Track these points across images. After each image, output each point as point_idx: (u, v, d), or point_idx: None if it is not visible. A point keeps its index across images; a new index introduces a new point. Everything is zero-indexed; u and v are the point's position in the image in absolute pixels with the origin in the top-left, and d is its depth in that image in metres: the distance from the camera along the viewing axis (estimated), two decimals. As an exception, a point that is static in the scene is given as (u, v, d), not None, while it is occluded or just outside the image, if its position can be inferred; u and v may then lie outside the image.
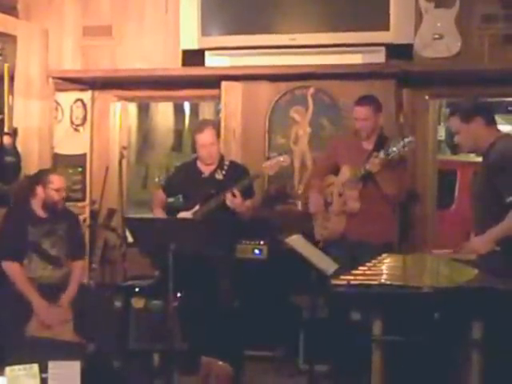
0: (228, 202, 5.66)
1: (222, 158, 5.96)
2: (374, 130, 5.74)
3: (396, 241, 5.81)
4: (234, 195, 5.64)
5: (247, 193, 5.82)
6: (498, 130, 4.49)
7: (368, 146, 5.77)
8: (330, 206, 5.85)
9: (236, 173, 5.85)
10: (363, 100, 5.76)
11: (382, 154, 5.47)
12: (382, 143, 5.70)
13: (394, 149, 5.46)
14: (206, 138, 5.86)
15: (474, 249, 4.34)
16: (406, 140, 5.49)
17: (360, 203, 5.65)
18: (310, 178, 6.32)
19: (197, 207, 5.75)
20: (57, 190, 5.50)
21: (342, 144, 6.03)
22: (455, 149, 7.08)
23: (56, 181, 5.53)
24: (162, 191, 6.15)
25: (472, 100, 4.73)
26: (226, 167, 5.89)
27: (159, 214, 6.04)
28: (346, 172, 5.73)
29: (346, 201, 5.72)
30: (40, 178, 5.58)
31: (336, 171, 5.87)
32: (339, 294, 3.65)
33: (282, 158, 5.87)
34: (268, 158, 6.13)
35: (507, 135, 4.60)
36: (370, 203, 5.63)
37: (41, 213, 5.53)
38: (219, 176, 5.86)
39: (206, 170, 5.91)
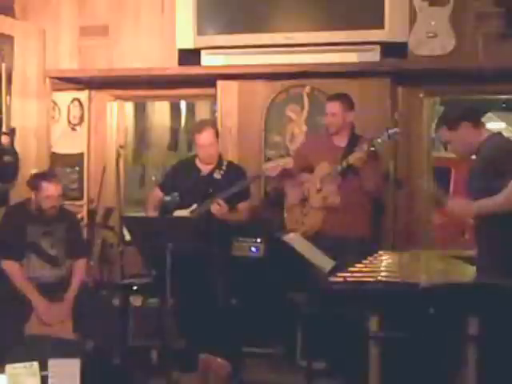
0: (213, 211, 5.69)
1: (220, 158, 5.97)
2: (342, 127, 5.84)
3: (369, 234, 5.85)
4: (218, 204, 5.67)
5: (242, 195, 5.84)
6: (487, 130, 4.54)
7: (340, 143, 5.87)
8: (306, 202, 5.90)
9: (234, 174, 5.85)
10: (333, 96, 5.93)
11: (365, 147, 5.55)
12: (354, 141, 5.80)
13: (379, 140, 5.55)
14: (205, 138, 5.87)
15: (452, 208, 4.37)
16: (391, 131, 5.56)
17: (339, 197, 5.72)
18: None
19: (194, 206, 5.76)
20: (46, 198, 5.41)
21: (312, 143, 6.17)
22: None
23: (47, 189, 5.41)
24: (159, 189, 6.12)
25: (456, 108, 4.79)
26: (224, 167, 5.90)
27: (152, 214, 6.04)
28: (324, 167, 5.80)
29: (326, 196, 5.77)
30: (33, 182, 5.50)
31: (308, 169, 5.93)
32: (336, 291, 3.68)
33: (285, 161, 5.90)
34: (269, 159, 6.15)
35: (498, 133, 4.65)
36: (348, 197, 5.71)
37: (39, 213, 5.54)
38: (217, 176, 5.86)
39: (204, 168, 5.91)
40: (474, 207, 4.22)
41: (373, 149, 5.57)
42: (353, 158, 5.61)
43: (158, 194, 6.09)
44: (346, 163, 5.64)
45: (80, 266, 5.65)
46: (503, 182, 4.24)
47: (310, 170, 5.92)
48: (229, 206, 5.75)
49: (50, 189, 5.44)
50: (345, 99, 5.86)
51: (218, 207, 5.65)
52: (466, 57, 6.32)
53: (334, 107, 5.84)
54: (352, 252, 5.33)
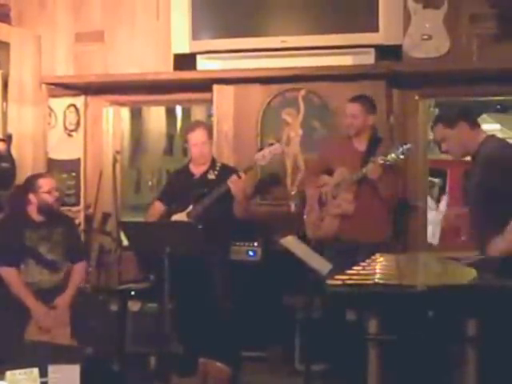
0: (230, 184, 5.66)
1: (213, 160, 5.98)
2: (362, 130, 5.77)
3: (388, 241, 5.80)
4: (239, 176, 5.67)
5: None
6: (483, 132, 4.55)
7: (360, 146, 5.81)
8: (324, 206, 5.89)
9: (228, 174, 5.82)
10: (355, 97, 5.84)
11: (379, 160, 5.52)
12: (375, 145, 5.76)
13: (393, 155, 5.50)
14: (197, 136, 5.86)
15: (497, 250, 4.29)
16: (405, 147, 5.53)
17: (354, 205, 5.69)
18: (306, 175, 6.35)
19: (190, 208, 5.77)
20: (48, 192, 5.51)
21: (333, 145, 6.11)
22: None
23: (45, 184, 5.54)
24: (160, 202, 6.06)
25: (454, 107, 4.79)
26: (218, 168, 5.91)
27: None
28: (341, 174, 5.76)
29: (340, 203, 5.75)
30: (29, 185, 5.58)
31: (329, 171, 5.91)
32: (334, 293, 3.68)
33: (274, 147, 5.90)
34: (260, 149, 6.16)
35: (493, 136, 4.66)
36: (365, 205, 5.67)
37: (37, 218, 5.54)
38: (211, 176, 5.86)
39: (197, 171, 5.90)
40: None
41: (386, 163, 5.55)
42: (367, 170, 5.59)
43: (159, 207, 6.04)
44: (361, 174, 5.62)
45: (78, 269, 5.63)
46: (499, 186, 4.26)
47: (330, 172, 5.90)
48: (225, 204, 5.75)
49: (48, 183, 5.56)
50: (366, 101, 5.79)
51: (236, 180, 5.66)
52: (461, 58, 6.33)
53: (354, 109, 5.75)
54: (367, 257, 5.36)
